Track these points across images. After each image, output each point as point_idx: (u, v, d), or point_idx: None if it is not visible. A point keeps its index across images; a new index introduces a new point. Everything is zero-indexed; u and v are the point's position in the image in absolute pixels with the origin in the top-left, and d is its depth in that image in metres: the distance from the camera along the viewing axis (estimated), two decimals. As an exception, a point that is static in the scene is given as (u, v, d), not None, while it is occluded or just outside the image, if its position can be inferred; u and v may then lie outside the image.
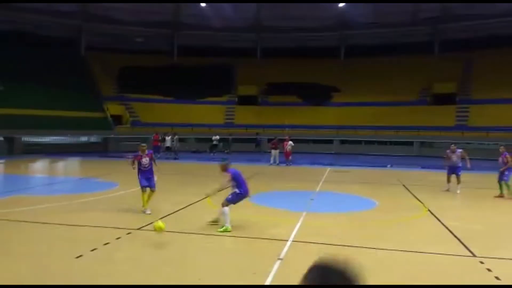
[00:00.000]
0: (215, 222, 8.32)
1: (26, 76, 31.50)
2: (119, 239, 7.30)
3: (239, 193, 8.18)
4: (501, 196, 12.72)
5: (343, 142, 34.04)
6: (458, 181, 13.64)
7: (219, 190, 8.36)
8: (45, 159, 24.28)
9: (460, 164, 13.72)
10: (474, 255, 6.71)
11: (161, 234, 7.20)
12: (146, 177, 9.66)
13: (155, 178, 9.86)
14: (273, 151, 22.98)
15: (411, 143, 32.54)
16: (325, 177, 17.63)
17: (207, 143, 31.03)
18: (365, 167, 22.84)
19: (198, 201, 10.76)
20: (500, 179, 12.85)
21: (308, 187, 14.53)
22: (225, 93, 39.95)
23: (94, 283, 5.29)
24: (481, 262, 6.35)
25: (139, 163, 9.68)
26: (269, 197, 12.56)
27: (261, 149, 31.95)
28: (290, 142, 22.93)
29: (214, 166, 10.28)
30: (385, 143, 32.98)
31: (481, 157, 22.95)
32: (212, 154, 29.00)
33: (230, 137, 32.25)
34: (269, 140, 26.67)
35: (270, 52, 43.40)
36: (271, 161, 22.80)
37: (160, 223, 7.22)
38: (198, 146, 32.72)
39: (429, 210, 10.48)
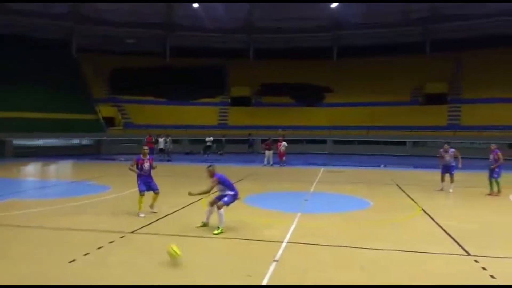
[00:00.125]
0: (204, 226, 8.30)
1: (17, 79, 31.22)
2: (113, 243, 7.22)
3: (234, 195, 8.25)
4: (491, 194, 12.90)
5: (336, 142, 34.13)
6: (452, 180, 13.74)
7: (205, 193, 8.27)
8: (36, 162, 24.02)
9: (453, 163, 13.83)
10: (469, 254, 6.74)
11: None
12: (145, 182, 9.60)
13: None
14: (266, 152, 22.97)
15: (404, 143, 32.72)
16: (319, 178, 17.64)
17: (200, 145, 30.93)
18: (359, 167, 22.91)
19: (192, 203, 10.70)
20: (491, 177, 13.00)
21: (302, 187, 14.54)
22: (218, 94, 39.87)
23: (87, 288, 5.23)
24: (476, 261, 6.37)
25: (140, 168, 9.58)
26: (263, 198, 12.53)
27: (254, 150, 31.95)
28: (284, 143, 22.94)
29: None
30: (378, 143, 33.12)
31: (474, 156, 23.11)
32: (206, 155, 28.92)
33: (224, 138, 32.20)
34: (263, 141, 26.67)
35: (263, 53, 43.40)
36: (265, 162, 22.78)
37: (175, 249, 6.12)
38: (192, 147, 32.61)
39: (423, 210, 10.53)
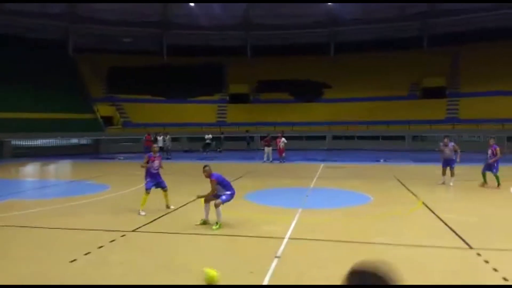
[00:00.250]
0: (204, 223, 8.31)
1: (14, 79, 31.08)
2: (113, 242, 7.18)
3: (232, 193, 8.38)
4: (483, 185, 13.13)
5: (335, 137, 34.13)
6: (452, 174, 13.77)
7: (210, 195, 8.36)
8: (35, 162, 23.95)
9: (453, 157, 13.85)
10: (470, 247, 6.71)
11: (160, 235, 7.07)
12: (154, 179, 9.79)
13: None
14: (266, 149, 22.93)
15: (403, 137, 32.72)
16: (319, 173, 17.61)
17: (199, 142, 30.87)
18: (358, 162, 22.89)
19: (192, 201, 10.66)
20: (485, 170, 13.20)
21: (302, 183, 14.51)
22: (216, 92, 39.81)
23: (89, 287, 5.20)
24: (478, 254, 6.35)
25: (151, 165, 9.77)
26: (263, 194, 12.51)
27: (250, 147, 31.92)
28: (283, 139, 22.89)
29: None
30: (377, 138, 33.12)
31: (473, 149, 23.10)
32: (205, 153, 28.87)
33: (222, 136, 32.15)
34: (262, 138, 26.62)
35: (260, 50, 43.32)
36: (264, 159, 22.74)
37: (213, 273, 5.02)
38: (191, 145, 32.56)
39: (423, 203, 10.51)
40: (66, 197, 11.95)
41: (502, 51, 34.51)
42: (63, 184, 16.18)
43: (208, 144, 30.30)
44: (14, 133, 27.30)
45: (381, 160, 23.09)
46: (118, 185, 13.83)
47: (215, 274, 4.97)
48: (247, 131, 33.14)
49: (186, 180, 14.97)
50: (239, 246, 7.19)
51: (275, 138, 23.21)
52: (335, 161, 23.43)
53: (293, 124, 33.67)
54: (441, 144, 14.20)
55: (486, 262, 5.99)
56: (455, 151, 13.90)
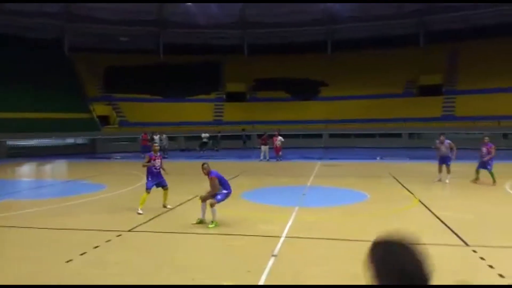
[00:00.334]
0: (201, 222, 8.30)
1: (10, 79, 30.86)
2: (109, 242, 7.16)
3: (228, 192, 8.38)
4: (475, 182, 13.32)
5: (332, 136, 34.15)
6: (448, 171, 13.83)
7: (212, 194, 8.35)
8: (31, 162, 23.86)
9: (449, 155, 13.91)
10: (467, 244, 6.74)
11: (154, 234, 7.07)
12: (155, 179, 9.82)
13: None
14: (263, 147, 22.93)
15: (399, 135, 32.78)
16: (316, 172, 17.63)
17: (196, 141, 30.83)
18: (355, 160, 22.93)
19: (189, 200, 10.65)
20: (480, 167, 13.34)
21: (299, 182, 14.52)
22: (213, 91, 39.72)
23: None
24: (474, 251, 6.38)
25: (152, 164, 9.81)
26: (260, 193, 12.51)
27: (247, 146, 31.90)
28: (280, 138, 22.89)
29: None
30: (373, 135, 33.17)
31: (469, 146, 23.15)
32: (202, 152, 28.83)
33: (219, 134, 32.12)
34: (259, 136, 26.61)
35: (257, 48, 43.22)
36: (261, 157, 22.75)
37: None
38: (188, 144, 32.51)
39: (420, 201, 10.54)
40: (62, 197, 11.92)
41: (499, 48, 34.56)
42: (59, 184, 16.13)
43: (205, 143, 30.26)
44: (9, 133, 27.15)
45: (378, 158, 23.13)
46: (115, 185, 13.81)
47: None
48: (243, 130, 33.11)
49: (183, 179, 14.95)
50: (236, 245, 7.18)
51: (271, 136, 23.21)
52: (332, 159, 23.45)
53: (290, 122, 33.67)
54: (437, 141, 14.24)
55: (482, 259, 6.01)
56: (451, 149, 13.95)
